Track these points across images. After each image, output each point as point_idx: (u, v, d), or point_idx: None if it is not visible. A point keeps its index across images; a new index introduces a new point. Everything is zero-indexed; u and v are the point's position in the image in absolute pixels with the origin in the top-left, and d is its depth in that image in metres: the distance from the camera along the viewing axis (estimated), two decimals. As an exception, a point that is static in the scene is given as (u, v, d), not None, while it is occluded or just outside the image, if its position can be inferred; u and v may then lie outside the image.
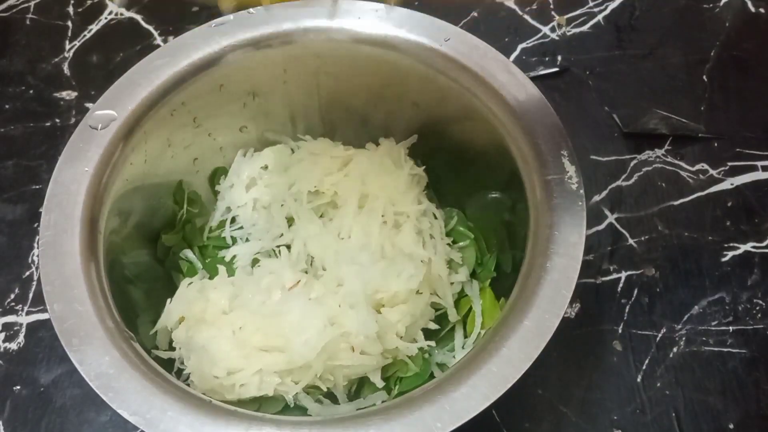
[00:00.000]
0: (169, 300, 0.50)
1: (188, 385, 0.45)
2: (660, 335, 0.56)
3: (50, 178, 0.46)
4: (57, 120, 0.71)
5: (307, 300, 0.48)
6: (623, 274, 0.59)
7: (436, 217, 0.56)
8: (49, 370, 0.56)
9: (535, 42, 0.74)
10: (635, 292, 0.58)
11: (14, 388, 0.56)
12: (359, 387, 0.50)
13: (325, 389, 0.47)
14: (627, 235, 0.61)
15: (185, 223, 0.57)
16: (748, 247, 0.60)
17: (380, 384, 0.48)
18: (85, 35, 0.77)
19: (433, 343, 0.51)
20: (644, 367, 0.55)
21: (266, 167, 0.58)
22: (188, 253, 0.56)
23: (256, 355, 0.46)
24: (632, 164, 0.65)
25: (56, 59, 0.75)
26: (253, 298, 0.49)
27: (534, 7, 0.77)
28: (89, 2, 0.79)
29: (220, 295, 0.49)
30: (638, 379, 0.55)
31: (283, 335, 0.46)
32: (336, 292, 0.49)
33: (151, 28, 0.77)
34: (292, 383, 0.46)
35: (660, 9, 0.76)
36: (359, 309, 0.47)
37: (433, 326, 0.52)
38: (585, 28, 0.75)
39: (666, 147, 0.66)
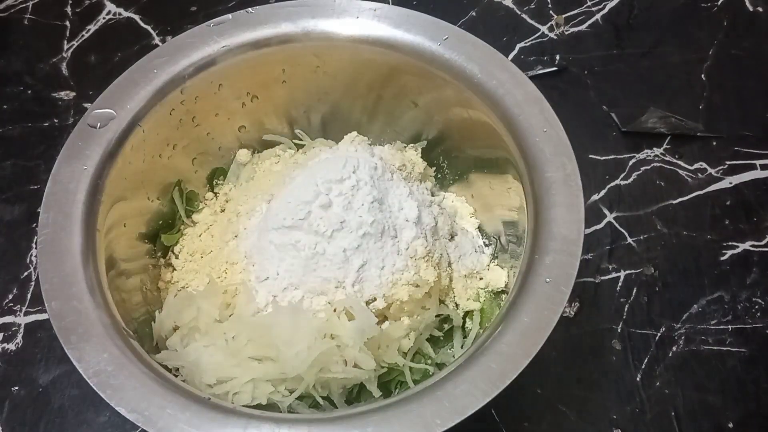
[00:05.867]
0: (158, 310, 0.50)
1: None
2: (659, 334, 0.56)
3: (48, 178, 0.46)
4: (55, 120, 0.71)
5: (300, 311, 0.47)
6: (622, 273, 0.59)
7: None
8: (48, 371, 0.56)
9: (534, 41, 0.74)
10: (634, 291, 0.58)
11: (12, 388, 0.56)
12: (359, 391, 0.49)
13: (320, 398, 0.47)
14: (626, 234, 0.61)
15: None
16: (746, 245, 0.60)
17: (377, 393, 0.47)
18: (83, 35, 0.77)
19: (432, 369, 0.50)
20: (643, 366, 0.55)
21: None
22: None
23: (249, 364, 0.45)
24: (631, 163, 0.65)
25: (54, 59, 0.75)
26: (246, 307, 0.49)
27: (532, 6, 0.77)
28: (87, 2, 0.79)
29: (211, 304, 0.48)
30: (637, 378, 0.54)
31: (275, 347, 0.45)
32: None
33: (149, 27, 0.77)
34: (286, 391, 0.46)
35: (658, 8, 0.76)
36: (355, 311, 0.46)
37: (436, 333, 0.51)
38: (583, 27, 0.75)
39: (665, 146, 0.66)
